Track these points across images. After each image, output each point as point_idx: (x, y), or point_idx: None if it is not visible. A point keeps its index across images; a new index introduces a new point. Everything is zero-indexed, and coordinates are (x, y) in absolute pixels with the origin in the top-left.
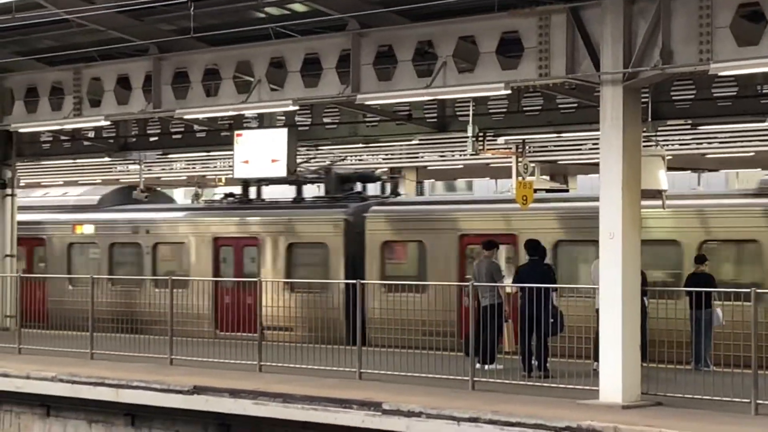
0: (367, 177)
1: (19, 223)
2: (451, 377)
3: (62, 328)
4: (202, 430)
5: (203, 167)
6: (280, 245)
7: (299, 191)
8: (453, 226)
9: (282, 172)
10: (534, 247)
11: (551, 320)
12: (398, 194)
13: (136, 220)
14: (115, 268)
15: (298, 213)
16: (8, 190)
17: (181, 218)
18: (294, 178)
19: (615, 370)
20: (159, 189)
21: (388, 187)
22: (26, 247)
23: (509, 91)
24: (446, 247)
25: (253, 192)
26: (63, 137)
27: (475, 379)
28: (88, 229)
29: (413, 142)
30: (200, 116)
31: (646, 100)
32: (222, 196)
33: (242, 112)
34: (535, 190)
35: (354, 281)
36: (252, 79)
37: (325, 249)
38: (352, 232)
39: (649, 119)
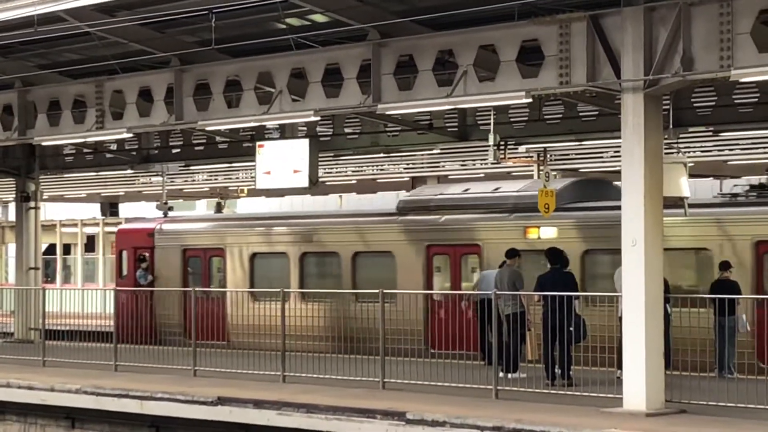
0: None
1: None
2: (475, 386)
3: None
4: None
5: (225, 178)
6: None
7: None
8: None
9: (304, 182)
10: (556, 255)
11: (570, 329)
12: None
13: None
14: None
15: None
16: (32, 203)
17: None
18: None
19: (638, 377)
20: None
21: None
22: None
23: (530, 100)
24: None
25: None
26: (85, 150)
27: (499, 387)
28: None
29: (434, 151)
30: (222, 128)
31: (667, 107)
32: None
33: (264, 123)
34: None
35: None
36: (273, 90)
37: None
38: None
39: (671, 126)
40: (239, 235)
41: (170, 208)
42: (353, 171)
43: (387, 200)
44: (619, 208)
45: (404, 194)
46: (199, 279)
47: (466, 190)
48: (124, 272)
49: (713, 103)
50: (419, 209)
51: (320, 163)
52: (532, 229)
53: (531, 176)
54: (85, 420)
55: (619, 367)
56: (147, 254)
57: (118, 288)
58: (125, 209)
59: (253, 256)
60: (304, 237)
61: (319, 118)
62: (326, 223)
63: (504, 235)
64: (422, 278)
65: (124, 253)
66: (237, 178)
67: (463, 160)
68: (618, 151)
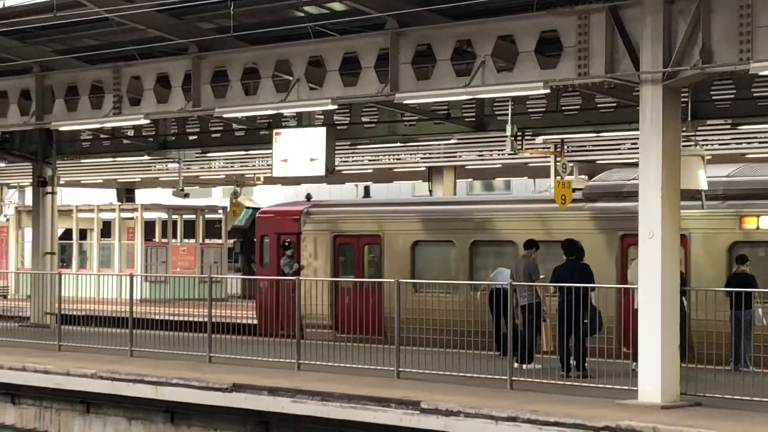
0: None
1: None
2: (490, 377)
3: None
4: (241, 427)
5: (242, 166)
6: None
7: None
8: None
9: (320, 171)
10: (572, 246)
11: (585, 321)
12: None
13: None
14: None
15: None
16: (48, 188)
17: None
18: None
19: (654, 370)
20: None
21: None
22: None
23: (548, 91)
24: None
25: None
26: (102, 135)
27: (513, 378)
28: None
29: (451, 141)
30: (239, 115)
31: (686, 99)
32: None
33: (281, 111)
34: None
35: None
36: (291, 78)
37: None
38: None
39: (689, 119)
40: (399, 221)
41: (186, 195)
42: (369, 160)
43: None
44: None
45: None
46: (351, 268)
47: None
48: (266, 260)
49: (732, 96)
50: (610, 195)
51: (337, 152)
52: (750, 219)
53: (737, 161)
54: (101, 405)
55: (635, 359)
56: (293, 240)
57: (260, 277)
58: (141, 195)
59: (415, 245)
60: (476, 225)
61: (336, 107)
62: (500, 210)
63: (715, 225)
64: (615, 270)
65: (266, 240)
66: (253, 165)
67: (480, 151)
68: (635, 143)
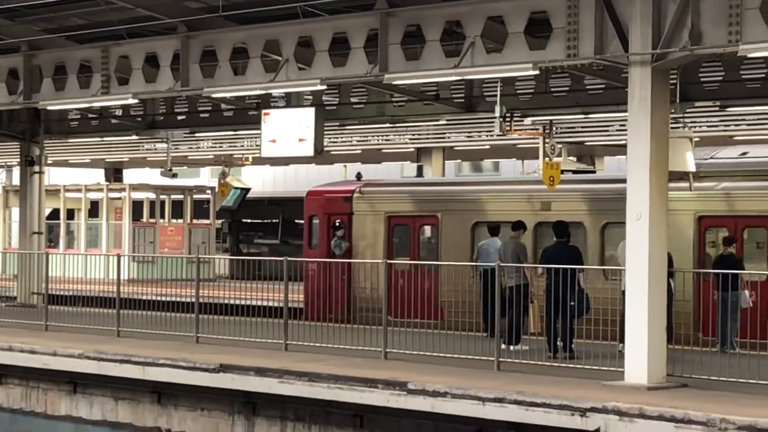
0: None
1: None
2: (477, 357)
3: None
4: (228, 407)
5: (230, 146)
6: None
7: None
8: None
9: (309, 151)
10: (562, 228)
11: (571, 303)
12: None
13: None
14: None
15: None
16: (36, 168)
17: None
18: None
19: (641, 351)
20: None
21: None
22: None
23: (537, 72)
24: None
25: None
26: (91, 115)
27: (501, 359)
28: None
29: (440, 122)
30: (228, 95)
31: (675, 81)
32: None
33: (270, 91)
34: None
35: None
36: (280, 58)
37: None
38: None
39: (677, 101)
40: (459, 201)
41: (174, 175)
42: (358, 141)
43: None
44: None
45: None
46: (406, 249)
47: (744, 153)
48: (314, 242)
49: (720, 78)
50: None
51: (325, 132)
52: None
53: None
54: (87, 385)
55: (621, 340)
56: (344, 221)
57: (308, 259)
58: (129, 175)
59: (475, 226)
60: (543, 206)
61: (325, 87)
62: (568, 190)
63: None
64: (692, 253)
65: (315, 220)
66: (242, 145)
67: (469, 132)
68: (624, 125)
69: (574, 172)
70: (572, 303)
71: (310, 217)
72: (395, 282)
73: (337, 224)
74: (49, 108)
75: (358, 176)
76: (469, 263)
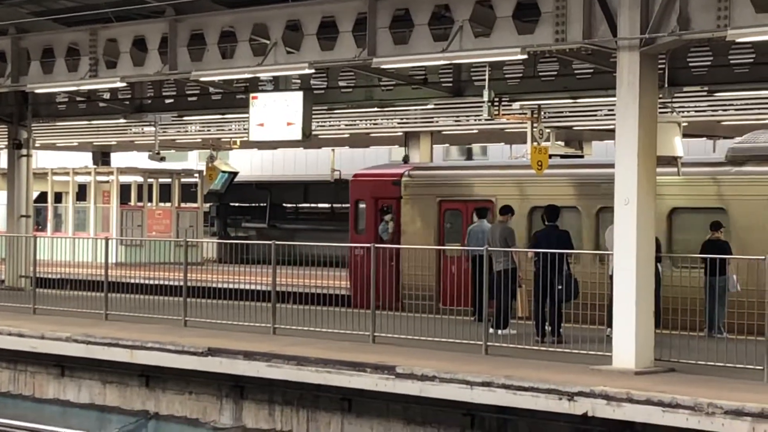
0: None
1: None
2: (465, 342)
3: None
4: (216, 391)
5: (218, 130)
6: None
7: None
8: None
9: (297, 135)
10: (553, 212)
11: (558, 287)
12: None
13: None
14: None
15: None
16: (24, 151)
17: None
18: None
19: (628, 336)
20: None
21: None
22: None
23: (525, 56)
24: None
25: None
26: (78, 98)
27: (489, 343)
28: None
29: (428, 106)
30: (216, 78)
31: (663, 66)
32: None
33: (258, 75)
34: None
35: None
36: (268, 42)
37: None
38: None
39: (666, 86)
40: (516, 185)
41: (162, 159)
42: (346, 125)
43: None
44: None
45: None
46: (458, 235)
47: None
48: (360, 226)
49: (709, 63)
50: (762, 159)
51: (314, 116)
52: None
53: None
54: (75, 368)
55: (609, 325)
56: (392, 205)
57: (354, 244)
58: (117, 159)
59: (533, 211)
60: (604, 190)
61: (313, 71)
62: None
63: None
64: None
65: (361, 205)
66: (230, 129)
67: (457, 116)
68: (612, 110)
69: (562, 156)
70: (559, 287)
71: (356, 201)
72: (446, 269)
73: (385, 209)
74: (36, 91)
75: (405, 159)
76: (524, 250)
